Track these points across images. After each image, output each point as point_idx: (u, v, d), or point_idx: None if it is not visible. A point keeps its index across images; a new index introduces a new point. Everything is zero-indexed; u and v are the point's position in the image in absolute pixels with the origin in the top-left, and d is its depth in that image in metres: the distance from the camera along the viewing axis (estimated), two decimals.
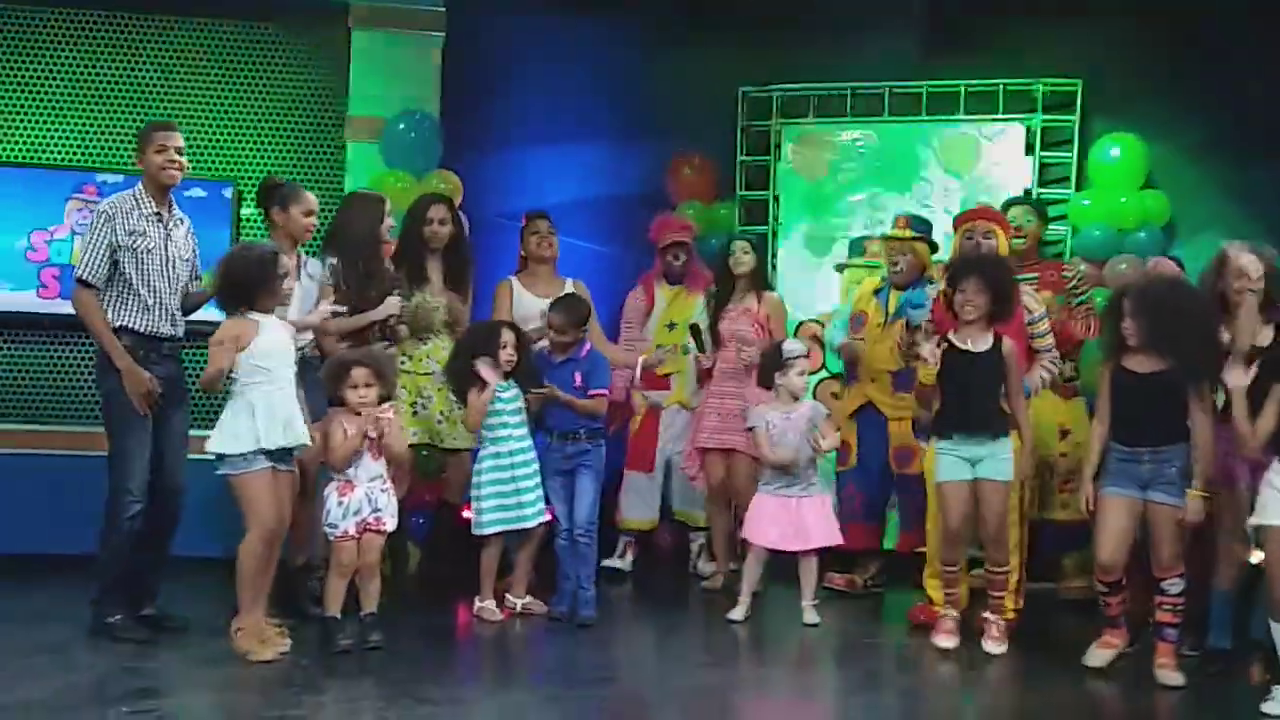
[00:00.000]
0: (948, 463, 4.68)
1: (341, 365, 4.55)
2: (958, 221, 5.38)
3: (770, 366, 5.19)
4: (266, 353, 4.34)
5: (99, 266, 4.56)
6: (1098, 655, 4.50)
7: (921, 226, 5.61)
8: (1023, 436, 4.78)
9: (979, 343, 4.69)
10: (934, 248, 5.64)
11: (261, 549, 4.32)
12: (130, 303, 4.59)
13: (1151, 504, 4.36)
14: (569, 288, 5.64)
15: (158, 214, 4.67)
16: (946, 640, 4.71)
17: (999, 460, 4.66)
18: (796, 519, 5.10)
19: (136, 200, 4.65)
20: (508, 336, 5.01)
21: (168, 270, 4.67)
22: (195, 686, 4.07)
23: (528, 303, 5.63)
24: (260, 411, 4.30)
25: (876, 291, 5.65)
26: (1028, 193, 6.42)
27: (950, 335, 4.73)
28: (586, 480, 5.10)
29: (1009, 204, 5.83)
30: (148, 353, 4.61)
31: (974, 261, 4.83)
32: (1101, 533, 4.41)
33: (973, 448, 4.65)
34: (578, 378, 5.11)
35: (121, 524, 4.54)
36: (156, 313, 4.63)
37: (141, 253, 4.60)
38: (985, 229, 5.21)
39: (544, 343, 5.26)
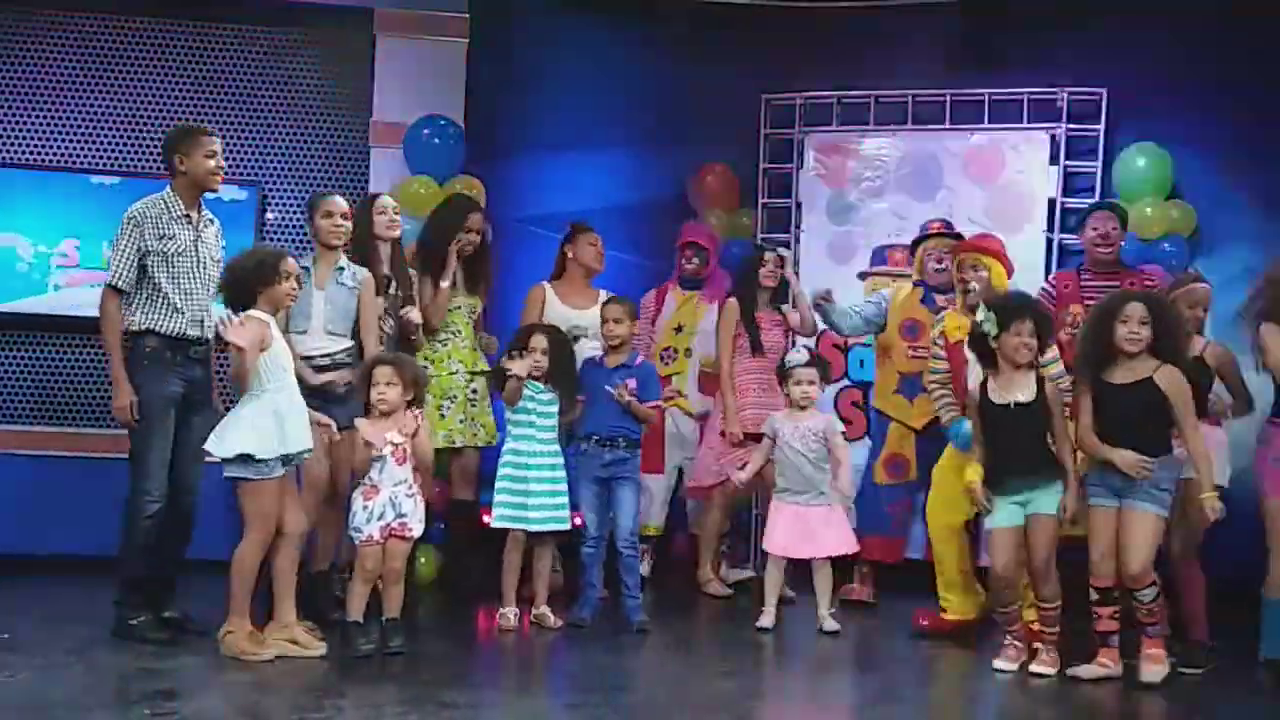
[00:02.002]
0: (1000, 509, 4.57)
1: (368, 366, 4.59)
2: (956, 250, 5.34)
3: (779, 376, 5.24)
4: (282, 353, 4.38)
5: (128, 272, 4.60)
6: (1087, 670, 4.47)
7: (950, 228, 5.74)
8: (1067, 483, 4.58)
9: (1022, 391, 4.56)
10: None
11: (259, 555, 4.34)
12: (159, 306, 4.62)
13: (1127, 512, 4.37)
14: (603, 299, 5.64)
15: (187, 216, 4.70)
16: (1006, 663, 4.60)
17: (1051, 496, 4.54)
18: (806, 526, 5.10)
19: (166, 204, 4.68)
20: (537, 341, 5.03)
21: (198, 272, 4.70)
22: (216, 689, 4.07)
23: (559, 312, 5.64)
24: (279, 414, 4.33)
25: (921, 299, 5.66)
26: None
27: (988, 387, 4.60)
28: (628, 492, 5.13)
29: (1092, 209, 5.67)
30: (174, 355, 4.63)
31: (1026, 303, 4.69)
32: (1093, 539, 4.45)
33: (1025, 492, 4.56)
34: (631, 385, 5.13)
35: (140, 523, 4.57)
36: (187, 315, 4.65)
37: (172, 256, 4.64)
38: (973, 261, 5.16)
39: (595, 351, 5.28)
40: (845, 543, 5.14)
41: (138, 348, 4.62)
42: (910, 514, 5.64)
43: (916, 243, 5.81)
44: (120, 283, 4.60)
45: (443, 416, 5.45)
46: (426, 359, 5.45)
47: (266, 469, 4.31)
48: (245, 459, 4.29)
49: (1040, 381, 4.58)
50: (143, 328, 4.61)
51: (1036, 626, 4.64)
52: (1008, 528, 4.57)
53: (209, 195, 4.82)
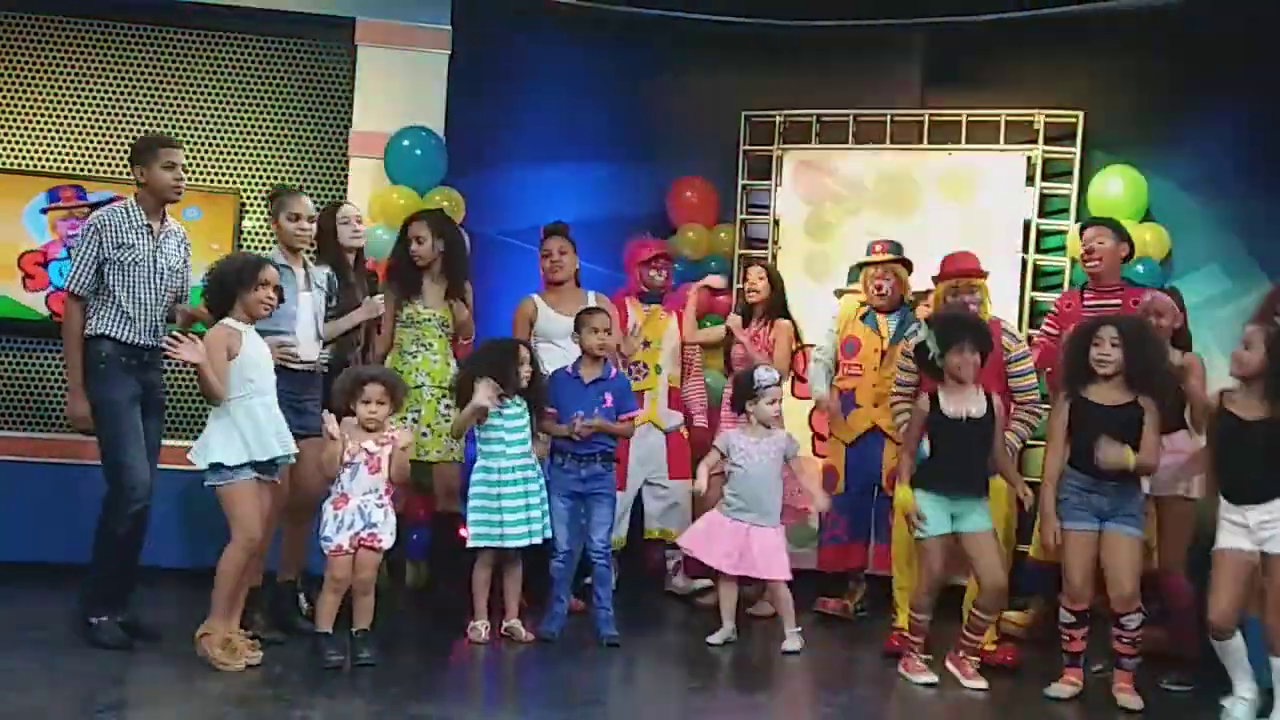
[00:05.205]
0: (930, 518, 4.65)
1: (356, 380, 4.57)
2: (942, 272, 5.28)
3: (743, 393, 5.21)
4: (253, 364, 4.37)
5: (86, 279, 4.62)
6: (1059, 689, 4.55)
7: (894, 247, 5.72)
8: (1014, 485, 4.77)
9: (971, 406, 4.66)
10: (909, 267, 5.72)
11: (244, 559, 4.32)
12: (113, 312, 4.63)
13: (1110, 535, 4.42)
14: (591, 301, 5.66)
15: (149, 226, 4.70)
16: (925, 676, 4.69)
17: (979, 514, 4.65)
18: (744, 545, 5.09)
19: (127, 212, 4.69)
20: (525, 354, 5.02)
21: (155, 282, 4.70)
22: (182, 698, 4.06)
23: (554, 321, 5.67)
24: (249, 424, 4.32)
25: (862, 317, 5.71)
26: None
27: (940, 399, 4.69)
28: (604, 508, 5.15)
29: (1085, 225, 5.63)
30: (127, 361, 4.64)
31: (965, 323, 4.77)
32: (1070, 563, 4.49)
33: (954, 505, 4.65)
34: (608, 399, 5.15)
35: (122, 524, 4.56)
36: (140, 324, 4.66)
37: (128, 265, 4.64)
38: (968, 286, 5.18)
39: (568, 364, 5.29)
40: (780, 569, 5.11)
41: (93, 353, 4.63)
42: (847, 525, 5.65)
43: (860, 265, 5.83)
44: (77, 288, 4.62)
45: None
46: (396, 369, 5.44)
47: (232, 474, 4.30)
48: (215, 467, 4.31)
49: (989, 398, 4.68)
50: (98, 333, 4.62)
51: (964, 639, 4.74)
52: (939, 536, 4.64)
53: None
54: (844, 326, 5.77)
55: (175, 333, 4.41)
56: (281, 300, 4.55)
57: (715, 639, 5.14)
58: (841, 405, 5.70)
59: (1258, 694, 4.20)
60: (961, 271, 5.24)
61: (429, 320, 5.51)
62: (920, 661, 4.75)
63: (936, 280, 5.32)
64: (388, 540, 4.52)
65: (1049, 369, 5.36)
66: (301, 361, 4.83)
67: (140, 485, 4.57)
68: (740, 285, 6.63)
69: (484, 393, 4.89)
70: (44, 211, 6.14)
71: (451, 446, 5.46)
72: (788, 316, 6.03)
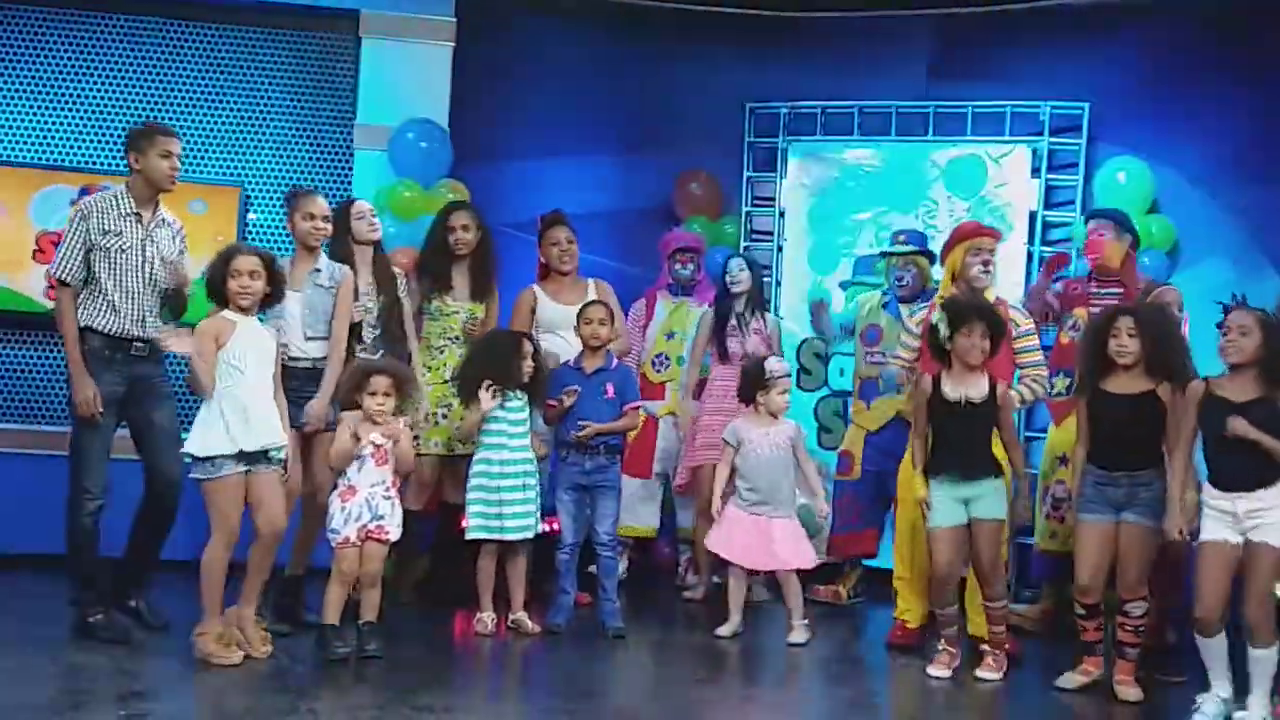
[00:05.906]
0: (941, 508, 4.64)
1: (363, 373, 4.57)
2: (957, 236, 5.22)
3: (753, 383, 5.20)
4: (241, 353, 4.34)
5: (74, 266, 4.58)
6: (1070, 679, 4.55)
7: (918, 239, 5.74)
8: (1019, 481, 4.77)
9: (973, 389, 4.63)
10: (931, 259, 5.71)
11: (223, 555, 4.30)
12: (99, 303, 4.60)
13: (1125, 524, 4.42)
14: (592, 289, 5.66)
15: (137, 214, 4.67)
16: (940, 670, 4.68)
17: (991, 499, 4.64)
18: (765, 538, 5.09)
19: (116, 200, 4.66)
20: (528, 348, 5.01)
21: (143, 271, 4.67)
22: (190, 690, 4.08)
23: (555, 311, 5.65)
24: (229, 413, 4.29)
25: (884, 305, 5.72)
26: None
27: (943, 384, 4.66)
28: (609, 501, 5.15)
29: (1088, 216, 5.65)
30: (113, 353, 4.62)
31: (976, 306, 4.74)
32: (1080, 555, 4.49)
33: (965, 490, 4.63)
34: (609, 389, 5.14)
35: (81, 521, 4.57)
36: (126, 315, 4.62)
37: (115, 252, 4.61)
38: (992, 246, 5.14)
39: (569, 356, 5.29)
40: (804, 557, 5.13)
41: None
42: (860, 512, 5.67)
43: (883, 255, 5.85)
44: (65, 276, 4.58)
45: (437, 424, 5.43)
46: (426, 365, 5.44)
47: (213, 468, 4.27)
48: (197, 459, 4.29)
49: (993, 382, 4.66)
50: (81, 325, 4.59)
51: (985, 629, 4.74)
52: (949, 527, 4.63)
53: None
54: (865, 315, 5.79)
55: (164, 327, 4.43)
56: (270, 290, 4.50)
57: (724, 631, 5.14)
58: (867, 392, 5.68)
59: (1232, 695, 4.16)
60: (980, 230, 5.19)
61: (456, 312, 5.49)
62: (943, 653, 4.70)
63: (947, 248, 5.24)
64: (394, 532, 4.52)
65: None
66: (303, 359, 4.80)
67: (94, 485, 4.56)
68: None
69: (485, 399, 4.91)
70: (73, 204, 6.12)
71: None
72: (767, 307, 6.05)
